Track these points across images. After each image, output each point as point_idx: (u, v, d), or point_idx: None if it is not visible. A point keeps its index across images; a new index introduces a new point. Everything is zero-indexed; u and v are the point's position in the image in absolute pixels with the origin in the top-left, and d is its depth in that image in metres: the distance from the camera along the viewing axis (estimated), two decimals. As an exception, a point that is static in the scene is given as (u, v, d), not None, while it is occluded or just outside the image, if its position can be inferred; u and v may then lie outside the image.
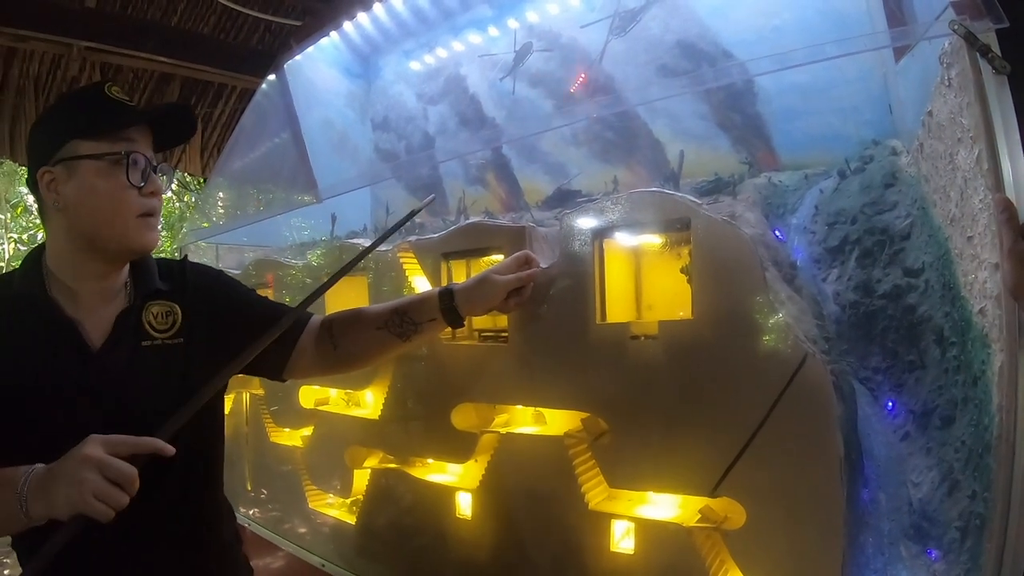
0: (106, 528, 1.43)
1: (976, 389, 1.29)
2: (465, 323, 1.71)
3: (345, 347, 1.68)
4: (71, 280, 1.45)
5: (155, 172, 1.44)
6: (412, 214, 1.67)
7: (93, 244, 1.42)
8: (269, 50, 4.22)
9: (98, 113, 1.41)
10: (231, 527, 1.71)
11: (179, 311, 1.54)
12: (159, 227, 1.46)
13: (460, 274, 2.00)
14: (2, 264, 10.29)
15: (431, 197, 1.77)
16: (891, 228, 1.59)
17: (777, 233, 1.67)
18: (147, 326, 1.47)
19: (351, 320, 1.71)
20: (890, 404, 1.53)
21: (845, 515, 1.25)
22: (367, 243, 2.31)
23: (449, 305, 1.64)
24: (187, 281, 1.58)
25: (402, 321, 1.66)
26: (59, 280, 1.44)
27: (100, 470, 1.15)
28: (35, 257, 1.49)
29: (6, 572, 4.72)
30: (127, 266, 1.52)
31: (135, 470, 1.17)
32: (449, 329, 1.72)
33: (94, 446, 1.17)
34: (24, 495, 1.19)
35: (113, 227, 1.41)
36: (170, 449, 1.23)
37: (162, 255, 1.70)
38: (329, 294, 2.41)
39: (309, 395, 2.56)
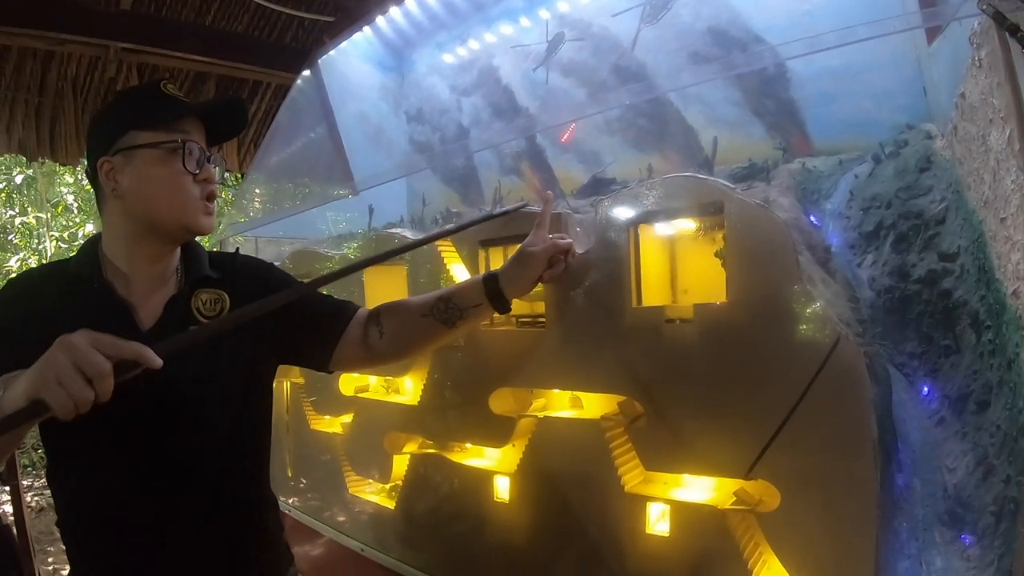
0: (151, 514, 1.48)
1: (1011, 372, 1.28)
2: (512, 307, 1.72)
3: (391, 334, 1.70)
4: (125, 265, 1.50)
5: (208, 162, 1.50)
6: (503, 213, 1.76)
7: (150, 227, 1.48)
8: (303, 46, 4.28)
9: (154, 106, 1.48)
10: (275, 516, 1.75)
11: (227, 299, 1.58)
12: (214, 214, 1.52)
13: (498, 262, 2.01)
14: (44, 261, 10.47)
15: (523, 203, 1.82)
16: (926, 212, 1.58)
17: (812, 218, 1.67)
18: (195, 312, 1.52)
19: (398, 308, 1.73)
20: (925, 389, 1.53)
21: (879, 499, 1.26)
22: (406, 234, 2.35)
23: (494, 289, 1.65)
24: (237, 271, 1.63)
25: (447, 307, 1.68)
26: (114, 265, 1.51)
27: (72, 357, 1.05)
28: (92, 243, 1.55)
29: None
30: (178, 254, 1.57)
31: (109, 366, 1.07)
32: (502, 313, 1.74)
33: (78, 336, 1.09)
34: (4, 381, 1.16)
35: (172, 208, 1.47)
36: (157, 361, 1.13)
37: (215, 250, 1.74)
38: (369, 286, 2.45)
39: (349, 383, 2.60)
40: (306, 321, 1.68)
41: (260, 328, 1.57)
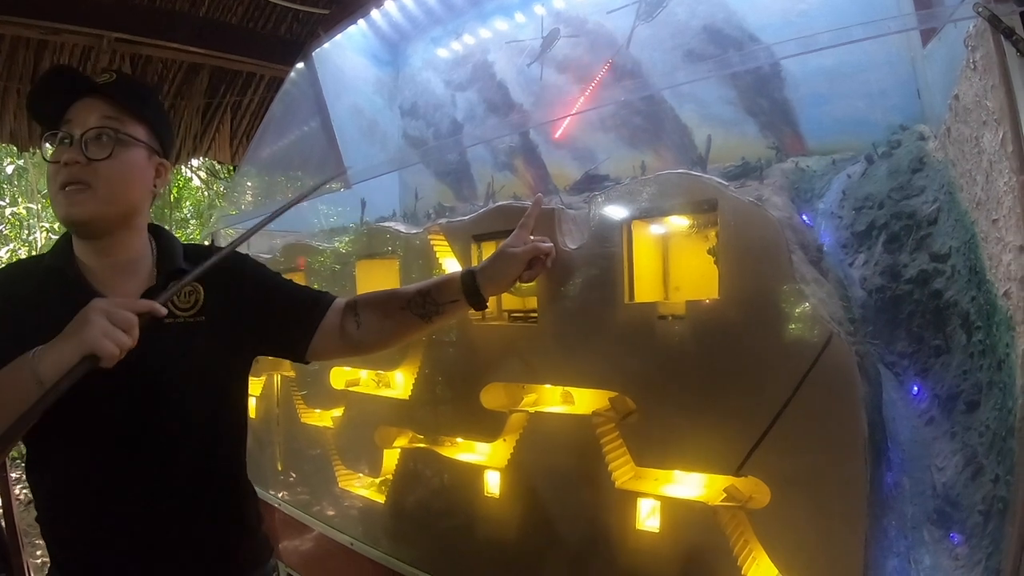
0: (128, 505, 1.48)
1: (1001, 373, 1.29)
2: (488, 305, 1.72)
3: (369, 325, 1.70)
4: (83, 257, 1.51)
5: (70, 144, 1.44)
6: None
7: None
8: (297, 39, 4.26)
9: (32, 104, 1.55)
10: (254, 507, 1.74)
11: (202, 291, 1.57)
12: (79, 203, 1.43)
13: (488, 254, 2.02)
14: (34, 252, 10.45)
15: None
16: (918, 213, 1.58)
17: (804, 218, 1.68)
18: (170, 304, 1.49)
19: (376, 300, 1.73)
20: (915, 389, 1.54)
21: (869, 497, 1.26)
22: (398, 227, 2.34)
23: (472, 286, 1.66)
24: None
25: (425, 302, 1.68)
26: (80, 258, 1.51)
27: (108, 316, 1.22)
28: (66, 237, 1.55)
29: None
30: (143, 245, 1.58)
31: (135, 317, 1.24)
32: (478, 310, 1.74)
33: (102, 301, 1.25)
34: (35, 359, 1.23)
35: (53, 205, 1.47)
36: (162, 310, 1.30)
37: (192, 243, 1.73)
38: (361, 279, 2.45)
39: (340, 376, 2.60)
40: (283, 312, 1.68)
41: (236, 319, 1.58)
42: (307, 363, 1.77)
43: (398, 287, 1.77)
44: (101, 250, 1.51)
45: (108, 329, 1.20)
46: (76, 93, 1.48)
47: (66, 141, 1.44)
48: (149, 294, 1.49)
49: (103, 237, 1.50)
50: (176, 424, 1.51)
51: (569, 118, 2.66)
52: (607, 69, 2.53)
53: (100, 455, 1.46)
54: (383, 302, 1.73)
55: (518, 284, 1.71)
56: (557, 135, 2.70)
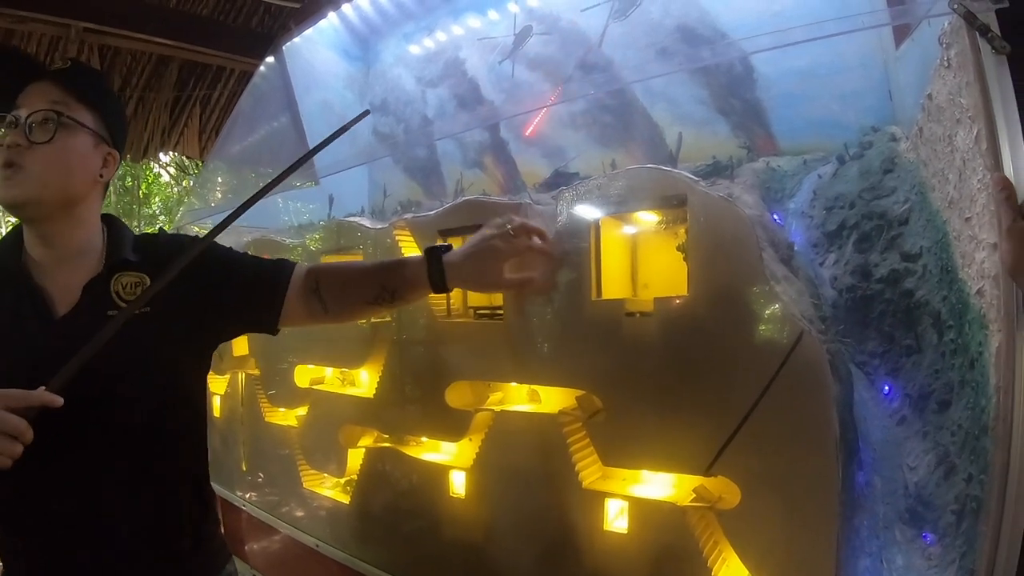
0: (74, 504, 1.43)
1: (973, 371, 1.29)
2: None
3: (333, 307, 1.68)
4: (31, 248, 1.48)
5: (13, 127, 1.43)
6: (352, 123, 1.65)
7: None
8: (268, 32, 4.22)
9: None
10: (210, 508, 1.68)
11: (148, 282, 1.51)
12: (15, 182, 1.41)
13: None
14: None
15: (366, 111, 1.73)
16: (889, 213, 1.58)
17: (775, 217, 1.67)
18: (115, 296, 1.46)
19: (343, 288, 1.69)
20: (887, 388, 1.53)
21: (840, 496, 1.25)
22: (365, 223, 2.31)
23: (440, 283, 1.62)
24: (160, 252, 1.56)
25: (393, 298, 1.66)
26: (27, 250, 1.48)
27: None
28: (16, 231, 1.51)
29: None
30: (90, 236, 1.53)
31: (25, 422, 1.19)
32: (445, 308, 1.70)
33: None
34: None
35: None
36: (58, 400, 1.23)
37: (144, 232, 1.69)
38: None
39: (304, 375, 2.56)
40: (247, 287, 1.63)
41: (190, 307, 1.53)
42: (276, 333, 1.72)
43: (360, 266, 1.72)
44: (45, 239, 1.47)
45: None
46: (28, 78, 1.46)
47: (12, 124, 1.42)
48: (91, 286, 1.46)
49: (43, 223, 1.46)
50: (121, 421, 1.45)
51: (541, 113, 2.64)
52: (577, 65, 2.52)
53: (42, 456, 1.40)
54: (347, 289, 1.69)
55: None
56: (528, 132, 2.68)
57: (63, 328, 1.41)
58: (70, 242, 1.49)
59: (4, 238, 1.53)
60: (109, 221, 1.60)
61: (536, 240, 1.67)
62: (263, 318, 1.67)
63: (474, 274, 1.63)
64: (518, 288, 1.70)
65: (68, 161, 1.45)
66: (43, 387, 1.22)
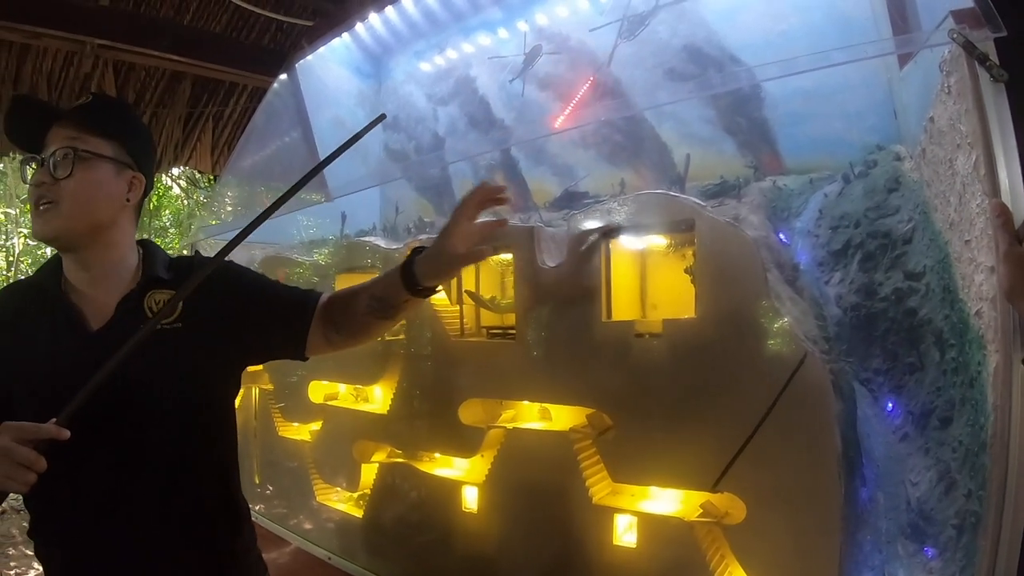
0: (107, 520, 1.47)
1: (973, 390, 1.31)
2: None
3: (347, 332, 1.70)
4: (68, 272, 1.55)
5: (40, 165, 1.51)
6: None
7: None
8: (281, 49, 4.25)
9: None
10: (247, 526, 1.70)
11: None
12: (45, 218, 1.49)
13: (468, 272, 2.03)
14: (12, 259, 10.37)
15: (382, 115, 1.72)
16: (893, 232, 1.60)
17: (781, 236, 1.69)
18: (147, 311, 1.51)
19: (345, 307, 1.70)
20: (890, 405, 1.55)
21: (843, 512, 1.28)
22: (378, 241, 2.34)
23: (415, 287, 1.59)
24: (193, 271, 1.60)
25: (382, 306, 1.65)
26: (66, 274, 1.55)
27: (8, 456, 1.23)
28: (57, 255, 1.57)
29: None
30: (123, 257, 1.58)
31: (35, 453, 1.24)
32: (458, 326, 1.72)
33: (2, 436, 1.25)
34: None
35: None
36: (65, 433, 1.27)
37: (171, 252, 1.72)
38: (341, 281, 2.44)
39: (318, 390, 2.59)
40: (275, 315, 1.67)
41: (218, 325, 1.57)
42: (306, 359, 1.73)
43: (357, 284, 1.74)
44: (80, 263, 1.53)
45: (11, 469, 1.23)
46: (50, 120, 1.54)
47: (40, 164, 1.50)
48: (124, 301, 1.51)
49: (78, 251, 1.53)
50: (152, 436, 1.49)
51: (571, 105, 2.63)
52: (590, 85, 2.54)
53: (76, 472, 1.44)
54: (349, 308, 1.69)
55: (497, 300, 1.70)
56: (557, 124, 2.63)
57: (98, 341, 1.46)
58: (104, 264, 1.55)
59: (45, 264, 1.60)
60: (145, 244, 1.66)
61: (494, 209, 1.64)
62: (290, 345, 1.70)
63: (439, 271, 1.60)
64: (475, 260, 1.64)
65: (90, 192, 1.50)
66: (54, 419, 1.27)
